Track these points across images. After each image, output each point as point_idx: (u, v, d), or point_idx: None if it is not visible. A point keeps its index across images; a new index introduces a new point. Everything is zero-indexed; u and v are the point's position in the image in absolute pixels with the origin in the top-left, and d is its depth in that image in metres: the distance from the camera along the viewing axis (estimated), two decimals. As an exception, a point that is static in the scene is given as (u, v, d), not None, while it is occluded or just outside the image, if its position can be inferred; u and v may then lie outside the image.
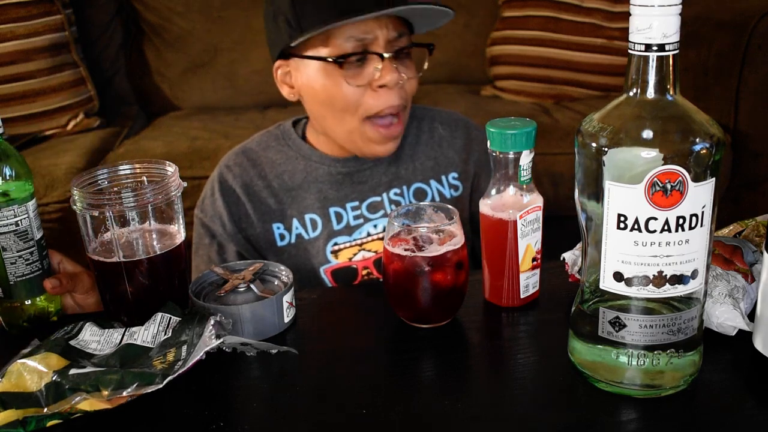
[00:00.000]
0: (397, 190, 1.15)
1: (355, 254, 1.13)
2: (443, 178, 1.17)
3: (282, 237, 1.14)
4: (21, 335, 0.78)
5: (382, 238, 1.12)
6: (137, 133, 2.13)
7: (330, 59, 1.02)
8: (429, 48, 1.11)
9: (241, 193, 1.13)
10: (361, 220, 1.13)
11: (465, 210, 1.17)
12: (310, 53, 1.05)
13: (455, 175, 1.18)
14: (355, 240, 1.13)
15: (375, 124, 1.06)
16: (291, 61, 1.09)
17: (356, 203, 1.14)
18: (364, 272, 1.13)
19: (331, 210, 1.13)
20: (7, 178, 0.76)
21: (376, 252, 1.13)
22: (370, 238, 1.13)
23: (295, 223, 1.13)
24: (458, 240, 0.77)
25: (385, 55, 1.02)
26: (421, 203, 0.81)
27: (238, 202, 1.13)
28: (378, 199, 1.14)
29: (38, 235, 0.78)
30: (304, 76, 1.07)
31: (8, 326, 0.80)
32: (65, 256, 0.86)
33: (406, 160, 1.16)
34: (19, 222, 0.76)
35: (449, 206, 0.80)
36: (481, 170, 1.18)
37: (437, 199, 1.16)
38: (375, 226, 1.13)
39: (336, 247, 1.13)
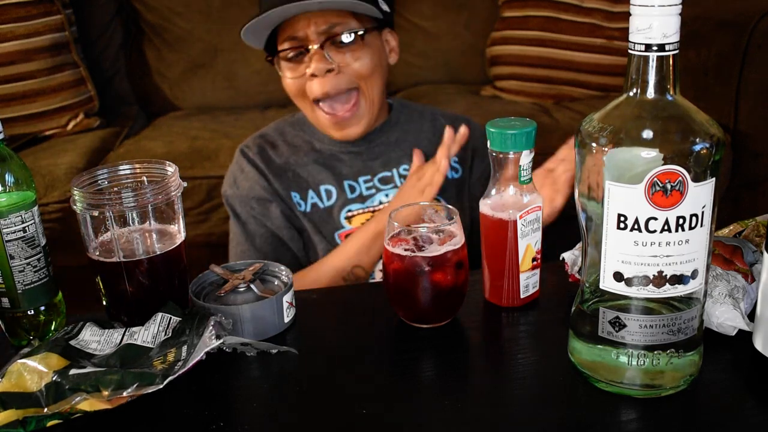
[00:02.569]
0: (406, 167, 1.25)
1: (368, 220, 1.22)
2: None
3: (299, 205, 1.24)
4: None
5: None
6: (137, 133, 2.13)
7: (269, 58, 1.20)
8: (358, 33, 1.16)
9: (263, 166, 1.24)
10: (374, 190, 1.24)
11: (464, 191, 1.29)
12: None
13: (455, 159, 1.28)
14: (367, 207, 1.23)
15: (322, 110, 1.18)
16: None
17: (368, 177, 1.24)
18: None
19: (345, 182, 1.24)
20: (10, 184, 0.76)
21: None
22: (381, 206, 1.23)
23: (311, 193, 1.23)
24: (458, 240, 0.77)
25: (311, 47, 1.14)
26: (422, 203, 0.81)
27: (263, 171, 1.24)
28: (389, 174, 1.24)
29: (43, 241, 0.78)
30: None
31: (12, 336, 0.79)
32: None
33: (411, 142, 1.27)
34: (27, 228, 0.75)
35: (449, 206, 0.80)
36: (475, 154, 1.32)
37: None
38: (387, 195, 1.23)
39: (350, 213, 1.23)
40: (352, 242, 1.16)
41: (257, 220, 1.23)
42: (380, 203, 1.23)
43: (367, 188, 1.24)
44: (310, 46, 1.14)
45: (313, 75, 1.15)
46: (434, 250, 0.75)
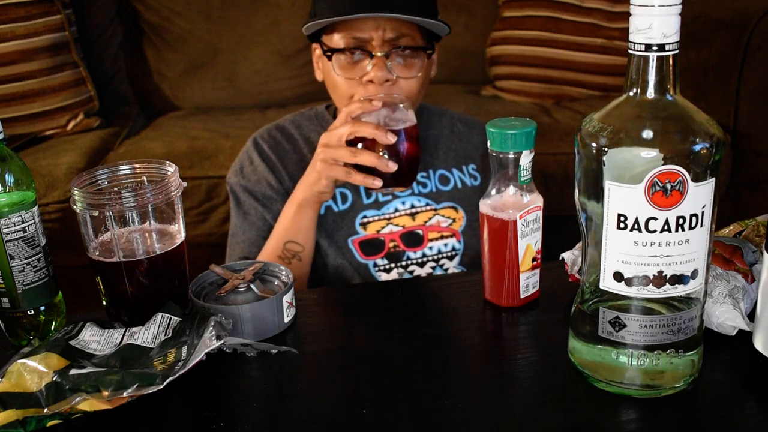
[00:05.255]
0: (424, 173, 1.23)
1: (383, 227, 1.20)
2: (463, 167, 1.26)
3: None
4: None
5: (409, 214, 1.21)
6: (137, 133, 2.13)
7: (327, 52, 1.13)
8: (426, 51, 1.15)
9: (276, 161, 1.22)
10: (390, 197, 1.21)
11: None
12: (324, 41, 1.15)
13: (474, 166, 1.27)
14: (383, 214, 1.20)
15: None
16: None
17: None
18: (391, 245, 1.20)
19: (361, 187, 1.20)
20: (10, 184, 0.76)
21: (403, 227, 1.20)
22: (397, 214, 1.21)
23: None
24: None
25: (376, 53, 1.10)
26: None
27: (275, 168, 1.21)
28: None
29: (43, 241, 0.78)
30: (323, 61, 1.17)
31: (12, 336, 0.79)
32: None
33: (430, 149, 1.25)
34: (27, 228, 0.75)
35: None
36: None
37: (459, 185, 1.24)
38: (403, 203, 1.21)
39: (365, 220, 1.20)
40: (280, 219, 1.13)
41: (258, 212, 1.20)
42: (396, 210, 1.20)
43: (384, 194, 1.20)
44: (374, 52, 1.10)
45: (370, 81, 1.10)
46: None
